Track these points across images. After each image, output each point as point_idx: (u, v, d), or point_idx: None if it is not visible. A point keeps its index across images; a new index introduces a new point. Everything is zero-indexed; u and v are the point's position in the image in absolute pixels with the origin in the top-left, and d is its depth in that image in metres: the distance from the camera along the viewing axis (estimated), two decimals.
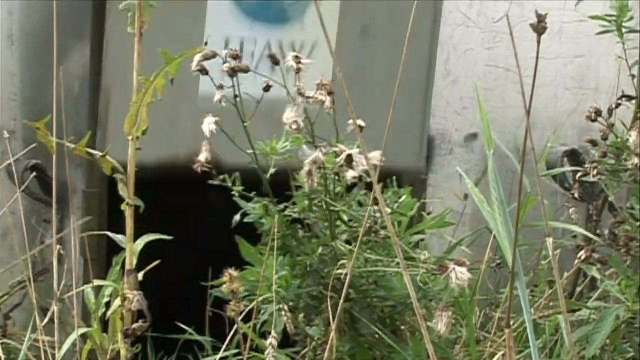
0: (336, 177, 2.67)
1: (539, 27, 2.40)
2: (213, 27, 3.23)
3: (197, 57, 2.55)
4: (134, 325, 1.91)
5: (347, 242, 2.68)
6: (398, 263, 2.52)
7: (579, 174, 2.94)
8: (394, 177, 2.94)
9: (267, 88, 2.76)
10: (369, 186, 2.58)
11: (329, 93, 2.65)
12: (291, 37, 3.24)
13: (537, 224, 2.80)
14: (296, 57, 2.72)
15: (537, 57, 2.28)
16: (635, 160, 2.81)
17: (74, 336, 2.10)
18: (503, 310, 2.69)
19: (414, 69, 3.22)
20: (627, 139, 2.85)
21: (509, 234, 2.19)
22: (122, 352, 1.91)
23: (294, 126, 2.62)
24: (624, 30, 2.97)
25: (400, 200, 2.79)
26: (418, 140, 3.21)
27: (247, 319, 2.49)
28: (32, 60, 3.25)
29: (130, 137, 1.98)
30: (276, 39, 3.26)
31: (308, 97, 2.68)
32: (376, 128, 2.53)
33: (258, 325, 2.60)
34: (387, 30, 3.34)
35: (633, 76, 2.98)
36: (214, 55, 2.65)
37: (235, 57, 2.71)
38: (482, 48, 3.25)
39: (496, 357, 2.17)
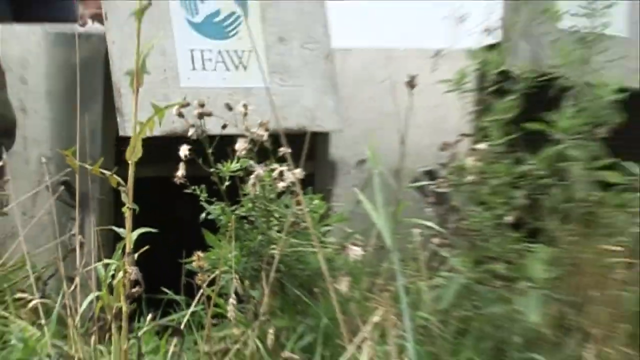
0: (271, 187, 2.71)
1: (411, 83, 2.47)
2: (180, 42, 3.19)
3: (175, 109, 2.60)
4: (132, 290, 1.93)
5: (278, 231, 2.71)
6: (313, 245, 2.58)
7: (433, 187, 3.01)
8: (310, 188, 3.00)
9: (224, 126, 2.84)
10: (293, 193, 2.64)
11: (266, 129, 2.70)
12: (233, 47, 3.23)
13: (407, 219, 2.90)
14: (244, 105, 2.75)
15: (407, 110, 2.38)
16: (470, 177, 2.89)
17: (90, 297, 2.12)
18: (384, 278, 2.69)
19: None
20: (465, 163, 2.92)
21: (388, 226, 2.29)
22: (124, 309, 1.92)
23: (243, 152, 2.70)
24: (463, 90, 3.01)
25: (314, 203, 2.85)
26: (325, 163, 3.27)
27: (210, 285, 2.46)
28: (63, 109, 3.23)
29: (130, 162, 1.94)
30: (223, 49, 3.24)
31: (252, 132, 2.73)
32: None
33: (217, 289, 2.54)
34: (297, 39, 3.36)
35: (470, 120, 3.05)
36: (188, 104, 2.71)
37: (202, 105, 2.78)
38: (370, 99, 3.29)
39: (376, 312, 2.16)
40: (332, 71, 3.42)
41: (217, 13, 3.30)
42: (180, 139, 2.74)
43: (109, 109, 3.09)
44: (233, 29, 3.29)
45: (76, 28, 3.56)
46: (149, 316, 2.38)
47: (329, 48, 3.46)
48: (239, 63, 3.22)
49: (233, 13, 3.30)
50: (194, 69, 3.21)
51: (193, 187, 2.74)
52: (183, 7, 3.26)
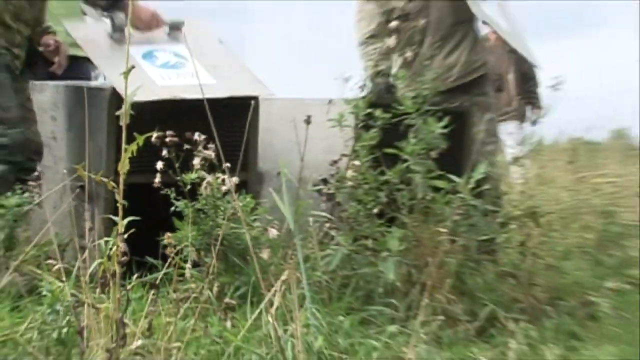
0: (217, 189, 2.73)
1: (308, 120, 2.49)
2: (151, 71, 3.26)
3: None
4: (122, 258, 1.85)
5: (222, 219, 2.70)
6: (245, 228, 2.55)
7: (326, 189, 3.04)
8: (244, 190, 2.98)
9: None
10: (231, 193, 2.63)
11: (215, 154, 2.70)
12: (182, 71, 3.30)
13: (308, 214, 2.92)
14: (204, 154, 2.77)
15: (305, 139, 2.43)
16: (349, 183, 2.97)
17: (96, 263, 2.02)
18: (291, 250, 2.70)
19: None
20: (346, 174, 3.00)
21: (292, 216, 2.41)
22: (117, 270, 1.85)
23: (198, 166, 2.74)
24: (343, 125, 3.08)
25: (246, 200, 2.84)
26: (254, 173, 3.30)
27: (177, 254, 2.39)
28: (79, 137, 3.16)
29: (121, 172, 1.86)
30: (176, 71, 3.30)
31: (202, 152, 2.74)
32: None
33: (182, 257, 2.51)
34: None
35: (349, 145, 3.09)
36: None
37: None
38: (285, 132, 3.26)
39: (285, 272, 2.11)
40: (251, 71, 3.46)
41: (168, 62, 3.37)
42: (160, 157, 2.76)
43: (111, 136, 3.09)
44: (181, 64, 3.32)
45: (87, 84, 3.61)
46: (135, 275, 2.35)
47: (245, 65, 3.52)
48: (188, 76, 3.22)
49: (179, 58, 3.35)
50: (163, 79, 3.24)
51: (167, 190, 2.78)
52: (147, 59, 3.33)
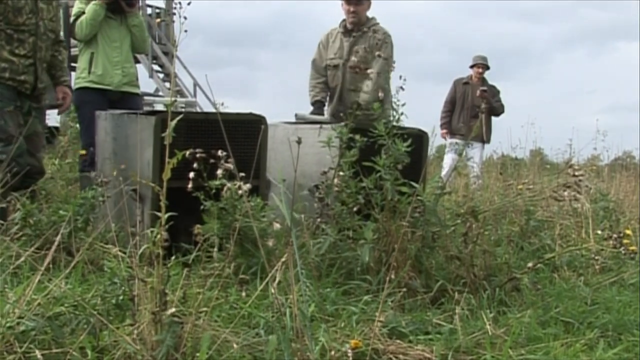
0: (235, 193, 2.67)
1: (299, 141, 2.45)
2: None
3: None
4: (164, 244, 1.83)
5: (239, 215, 2.66)
6: (256, 222, 2.57)
7: (317, 194, 3.01)
8: (255, 194, 3.00)
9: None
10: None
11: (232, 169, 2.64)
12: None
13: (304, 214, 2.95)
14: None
15: (298, 155, 2.38)
16: (336, 188, 2.95)
17: (144, 247, 1.99)
18: (289, 239, 2.56)
19: None
20: (333, 182, 2.98)
21: (290, 215, 2.36)
22: (160, 253, 1.82)
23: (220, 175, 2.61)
24: (331, 145, 3.03)
25: (257, 201, 2.84)
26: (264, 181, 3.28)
27: (205, 242, 2.42)
28: (131, 152, 3.18)
29: (165, 179, 1.82)
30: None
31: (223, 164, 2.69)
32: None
33: (209, 244, 2.56)
34: None
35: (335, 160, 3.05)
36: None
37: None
38: (286, 150, 3.19)
39: (285, 255, 2.01)
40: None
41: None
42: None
43: (157, 151, 3.06)
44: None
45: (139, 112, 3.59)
46: (174, 257, 2.26)
47: None
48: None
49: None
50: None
51: (198, 193, 2.71)
52: None
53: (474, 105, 7.28)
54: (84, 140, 4.64)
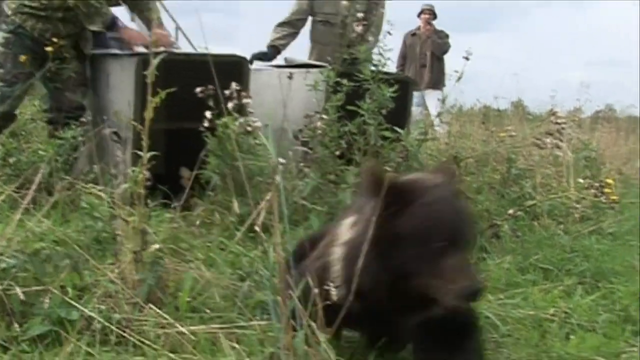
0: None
1: (290, 76, 2.36)
2: None
3: None
4: (146, 183, 1.73)
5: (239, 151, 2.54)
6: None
7: (302, 137, 2.99)
8: None
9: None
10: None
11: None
12: None
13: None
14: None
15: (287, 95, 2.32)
16: (319, 132, 2.90)
17: (124, 186, 1.87)
18: (265, 177, 2.60)
19: None
20: (317, 125, 2.94)
21: (275, 152, 2.30)
22: (142, 192, 1.74)
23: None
24: (317, 89, 3.01)
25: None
26: None
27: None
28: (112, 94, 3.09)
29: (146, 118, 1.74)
30: None
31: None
32: None
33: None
34: None
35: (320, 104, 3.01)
36: None
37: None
38: (272, 94, 3.19)
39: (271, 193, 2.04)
40: None
41: None
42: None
43: (138, 93, 2.95)
44: None
45: (119, 52, 3.46)
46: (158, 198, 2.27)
47: None
48: None
49: None
50: None
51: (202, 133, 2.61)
52: None
53: (422, 54, 7.27)
54: None
